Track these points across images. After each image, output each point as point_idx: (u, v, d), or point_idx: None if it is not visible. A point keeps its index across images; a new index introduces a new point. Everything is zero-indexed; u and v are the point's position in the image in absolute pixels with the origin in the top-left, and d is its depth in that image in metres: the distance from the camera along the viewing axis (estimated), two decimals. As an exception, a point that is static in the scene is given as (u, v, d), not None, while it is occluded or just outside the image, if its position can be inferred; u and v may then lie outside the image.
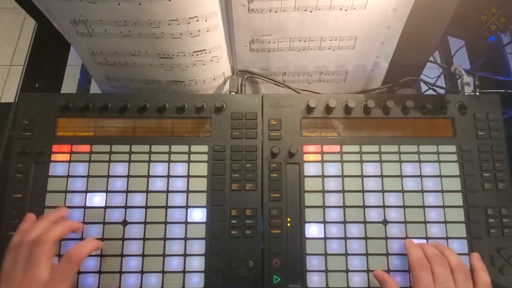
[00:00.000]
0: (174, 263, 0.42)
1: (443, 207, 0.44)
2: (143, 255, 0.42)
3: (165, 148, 0.46)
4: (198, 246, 0.43)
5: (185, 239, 0.43)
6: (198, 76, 0.53)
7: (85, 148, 0.45)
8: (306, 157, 0.46)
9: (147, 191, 0.44)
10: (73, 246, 0.38)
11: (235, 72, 0.54)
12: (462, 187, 0.45)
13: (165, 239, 0.43)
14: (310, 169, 0.45)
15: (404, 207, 0.44)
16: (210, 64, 0.51)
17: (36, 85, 0.58)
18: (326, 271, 0.42)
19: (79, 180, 0.44)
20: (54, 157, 0.45)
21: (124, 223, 0.43)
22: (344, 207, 0.44)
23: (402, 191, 0.45)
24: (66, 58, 0.61)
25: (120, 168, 0.45)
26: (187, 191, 0.44)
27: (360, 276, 0.42)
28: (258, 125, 0.47)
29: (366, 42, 0.50)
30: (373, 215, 0.44)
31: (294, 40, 0.50)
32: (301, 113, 0.47)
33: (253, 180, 0.45)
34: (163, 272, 0.42)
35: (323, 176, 0.45)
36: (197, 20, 0.45)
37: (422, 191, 0.45)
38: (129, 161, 0.45)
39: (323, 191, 0.44)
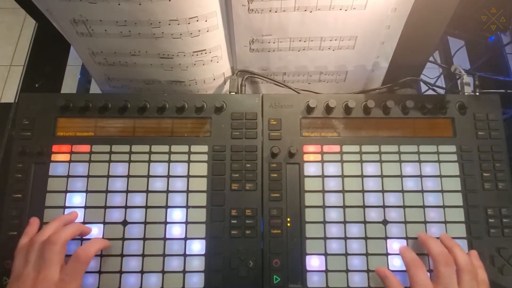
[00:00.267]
0: (174, 263, 0.42)
1: (443, 207, 0.44)
2: (143, 255, 0.42)
3: (165, 148, 0.46)
4: (198, 246, 0.43)
5: (185, 239, 0.43)
6: (198, 76, 0.53)
7: (85, 148, 0.45)
8: (306, 157, 0.46)
9: (147, 191, 0.44)
10: (81, 247, 0.39)
11: (235, 72, 0.54)
12: (462, 187, 0.45)
13: (165, 239, 0.43)
14: (310, 169, 0.45)
15: (404, 207, 0.44)
16: (210, 64, 0.51)
17: (36, 85, 0.58)
18: (326, 271, 0.42)
19: (79, 180, 0.44)
20: (54, 157, 0.45)
21: (124, 223, 0.43)
22: (344, 207, 0.44)
23: (402, 191, 0.45)
24: (66, 58, 0.61)
25: (120, 168, 0.45)
26: (187, 191, 0.44)
27: (360, 276, 0.42)
28: (258, 125, 0.47)
29: (366, 42, 0.50)
30: (373, 215, 0.44)
31: (294, 40, 0.50)
32: (301, 113, 0.47)
33: (253, 180, 0.45)
34: (163, 272, 0.42)
35: (323, 176, 0.45)
36: (197, 20, 0.45)
37: (422, 191, 0.45)
38: (129, 161, 0.45)
39: (323, 191, 0.44)
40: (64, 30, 0.49)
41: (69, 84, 0.65)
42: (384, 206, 0.44)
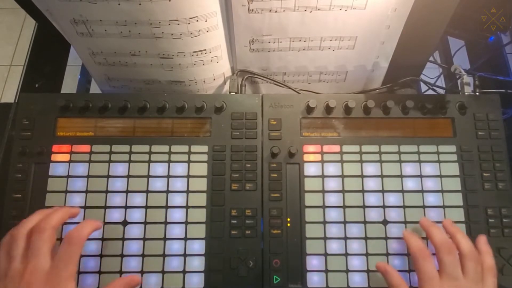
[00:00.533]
0: (174, 263, 0.42)
1: (443, 207, 0.44)
2: (143, 255, 0.42)
3: (165, 148, 0.46)
4: (198, 246, 0.43)
5: (185, 239, 0.43)
6: (198, 76, 0.53)
7: (85, 148, 0.45)
8: (306, 157, 0.46)
9: (147, 191, 0.44)
10: (72, 229, 0.36)
11: (235, 72, 0.54)
12: (462, 187, 0.45)
13: (165, 239, 0.43)
14: (310, 169, 0.45)
15: (404, 207, 0.44)
16: (210, 64, 0.51)
17: (36, 85, 0.58)
18: (326, 271, 0.42)
19: (79, 180, 0.44)
20: (54, 157, 0.45)
21: (124, 223, 0.43)
22: (344, 207, 0.44)
23: (402, 191, 0.45)
24: (66, 58, 0.61)
25: (120, 168, 0.45)
26: (187, 191, 0.44)
27: (360, 276, 0.42)
28: (258, 125, 0.47)
29: (366, 42, 0.50)
30: (373, 215, 0.44)
31: (294, 40, 0.50)
32: (301, 113, 0.47)
33: (253, 180, 0.45)
34: (163, 272, 0.42)
35: (323, 176, 0.45)
36: (197, 20, 0.45)
37: (422, 191, 0.45)
38: (129, 161, 0.45)
39: (323, 191, 0.44)
40: (64, 30, 0.49)
41: (69, 84, 0.65)
42: (384, 206, 0.44)
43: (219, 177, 0.45)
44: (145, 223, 0.43)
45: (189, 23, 0.45)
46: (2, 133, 0.50)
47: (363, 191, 0.45)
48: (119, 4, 0.43)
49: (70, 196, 0.44)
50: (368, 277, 0.42)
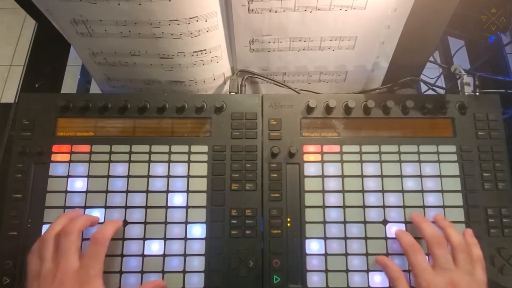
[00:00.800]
0: (174, 263, 0.42)
1: (443, 207, 0.44)
2: (143, 255, 0.42)
3: (165, 148, 0.46)
4: (198, 246, 0.43)
5: (185, 239, 0.43)
6: (198, 76, 0.53)
7: (85, 148, 0.45)
8: (306, 157, 0.46)
9: (147, 191, 0.44)
10: (96, 230, 0.39)
11: (235, 72, 0.54)
12: (462, 187, 0.45)
13: (165, 239, 0.43)
14: (310, 169, 0.45)
15: (404, 207, 0.44)
16: (210, 64, 0.51)
17: (36, 85, 0.58)
18: (326, 271, 0.42)
19: (79, 180, 0.44)
20: (54, 157, 0.45)
21: (124, 223, 0.43)
22: (344, 207, 0.44)
23: (402, 191, 0.45)
24: (66, 58, 0.61)
25: (120, 168, 0.45)
26: (187, 191, 0.44)
27: (360, 276, 0.42)
28: (258, 125, 0.47)
29: (366, 42, 0.50)
30: (373, 215, 0.44)
31: (294, 40, 0.50)
32: (301, 113, 0.47)
33: (253, 180, 0.45)
34: (163, 272, 0.42)
35: (323, 176, 0.45)
36: (197, 20, 0.45)
37: (422, 191, 0.45)
38: (129, 161, 0.45)
39: (323, 191, 0.44)
40: (64, 30, 0.49)
41: (69, 84, 0.65)
42: (384, 206, 0.44)
43: (219, 177, 0.45)
44: (145, 223, 0.43)
45: (189, 23, 0.45)
46: (2, 133, 0.51)
47: (363, 191, 0.45)
48: (119, 4, 0.43)
49: (70, 196, 0.44)
50: (368, 277, 0.42)
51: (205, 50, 0.49)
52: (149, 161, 0.45)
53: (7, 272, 0.42)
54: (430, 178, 0.45)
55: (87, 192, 0.44)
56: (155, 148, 0.45)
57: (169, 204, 0.44)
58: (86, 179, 0.44)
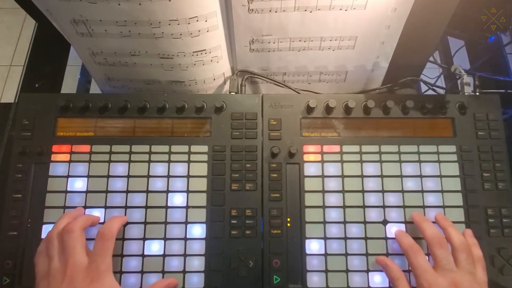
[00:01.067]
0: (174, 263, 0.42)
1: (443, 207, 0.44)
2: (143, 255, 0.42)
3: (165, 148, 0.46)
4: (198, 246, 0.43)
5: (185, 239, 0.43)
6: (198, 76, 0.53)
7: (85, 148, 0.45)
8: (306, 157, 0.46)
9: (147, 191, 0.44)
10: (102, 226, 0.39)
11: (235, 72, 0.54)
12: (462, 187, 0.45)
13: (165, 239, 0.43)
14: (310, 169, 0.45)
15: (404, 207, 0.44)
16: (210, 64, 0.51)
17: (36, 85, 0.58)
18: (326, 271, 0.42)
19: (79, 180, 0.44)
20: (54, 157, 0.45)
21: (123, 224, 0.43)
22: (344, 207, 0.44)
23: (402, 191, 0.45)
24: (66, 58, 0.61)
25: (120, 168, 0.45)
26: (187, 191, 0.44)
27: (360, 276, 0.42)
28: (258, 125, 0.47)
29: (366, 42, 0.50)
30: (373, 215, 0.44)
31: (294, 40, 0.50)
32: (301, 113, 0.47)
33: (253, 180, 0.45)
34: (163, 272, 0.42)
35: (323, 176, 0.45)
36: (197, 20, 0.45)
37: (422, 191, 0.45)
38: (129, 161, 0.45)
39: (323, 191, 0.44)
40: (64, 30, 0.49)
41: (69, 84, 0.65)
42: (384, 206, 0.44)
43: (219, 177, 0.45)
44: (145, 223, 0.43)
45: (189, 23, 0.45)
46: (2, 133, 0.50)
47: (363, 191, 0.45)
48: (119, 4, 0.43)
49: (70, 196, 0.44)
50: (368, 277, 0.42)
51: (205, 50, 0.49)
52: (149, 161, 0.45)
53: (7, 272, 0.42)
54: (430, 178, 0.45)
55: (87, 192, 0.44)
56: (155, 148, 0.45)
57: (169, 204, 0.44)
58: (86, 179, 0.44)
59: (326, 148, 0.46)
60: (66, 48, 0.60)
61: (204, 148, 0.46)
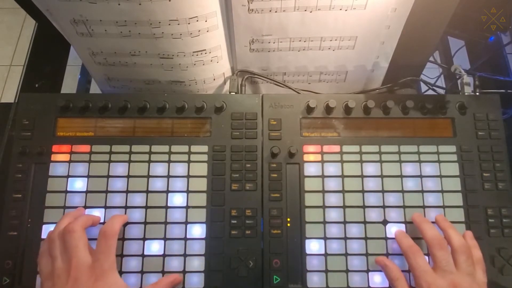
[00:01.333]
0: (174, 263, 0.42)
1: (443, 207, 0.44)
2: (143, 255, 0.42)
3: (165, 148, 0.46)
4: (198, 246, 0.43)
5: (185, 239, 0.43)
6: (198, 76, 0.53)
7: (85, 148, 0.45)
8: (306, 157, 0.46)
9: (147, 191, 0.44)
10: (104, 225, 0.39)
11: (235, 72, 0.54)
12: (462, 187, 0.45)
13: (165, 239, 0.43)
14: (310, 169, 0.45)
15: (404, 207, 0.44)
16: (210, 64, 0.51)
17: (36, 85, 0.58)
18: (326, 271, 0.42)
19: (79, 180, 0.44)
20: (54, 157, 0.45)
21: (124, 223, 0.43)
22: (344, 207, 0.44)
23: (402, 191, 0.45)
24: (66, 58, 0.61)
25: (120, 168, 0.45)
26: (187, 191, 0.44)
27: (360, 276, 0.42)
28: (258, 125, 0.47)
29: (366, 42, 0.50)
30: (373, 215, 0.44)
31: (294, 40, 0.50)
32: (301, 113, 0.47)
33: (253, 180, 0.45)
34: (163, 272, 0.42)
35: (323, 176, 0.45)
36: (197, 20, 0.45)
37: (422, 191, 0.45)
38: (129, 161, 0.45)
39: (323, 191, 0.44)
40: (64, 30, 0.49)
41: (69, 84, 0.65)
42: (384, 206, 0.44)
43: (219, 177, 0.45)
44: (145, 223, 0.43)
45: (189, 23, 0.45)
46: (2, 133, 0.50)
47: (363, 191, 0.45)
48: (119, 4, 0.43)
49: (70, 196, 0.44)
50: (368, 277, 0.42)
51: (205, 50, 0.49)
52: (149, 161, 0.45)
53: (7, 272, 0.42)
54: (430, 178, 0.45)
55: (87, 192, 0.44)
56: (155, 148, 0.45)
57: (169, 204, 0.44)
58: (86, 179, 0.44)
59: (326, 148, 0.46)
60: (66, 48, 0.60)
61: (204, 148, 0.46)
